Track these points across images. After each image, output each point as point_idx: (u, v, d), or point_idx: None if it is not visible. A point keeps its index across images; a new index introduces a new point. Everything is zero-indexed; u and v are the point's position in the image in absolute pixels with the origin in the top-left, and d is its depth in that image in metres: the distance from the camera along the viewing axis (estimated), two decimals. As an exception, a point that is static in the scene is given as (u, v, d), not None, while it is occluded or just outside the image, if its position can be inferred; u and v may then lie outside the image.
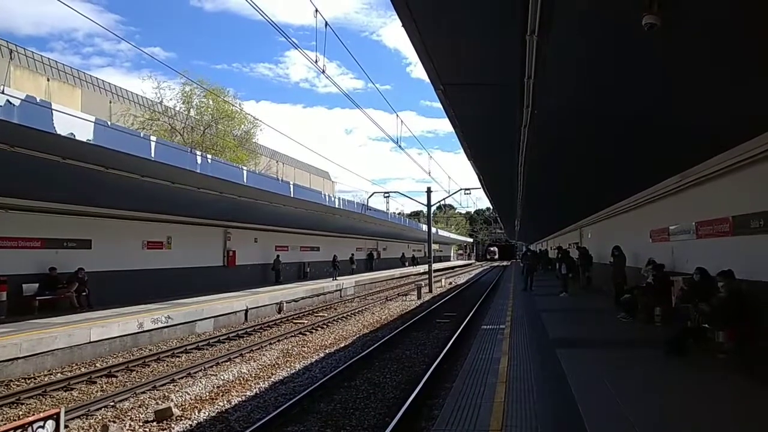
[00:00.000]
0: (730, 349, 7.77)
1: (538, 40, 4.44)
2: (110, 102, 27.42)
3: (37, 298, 15.89)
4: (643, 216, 14.86)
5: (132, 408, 8.75)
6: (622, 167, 11.39)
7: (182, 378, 10.66)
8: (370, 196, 35.65)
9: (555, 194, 17.50)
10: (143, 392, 9.64)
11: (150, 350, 13.39)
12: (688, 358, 8.06)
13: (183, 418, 8.12)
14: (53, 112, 10.63)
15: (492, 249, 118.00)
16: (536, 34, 4.32)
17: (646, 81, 5.83)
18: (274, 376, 10.92)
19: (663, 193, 12.34)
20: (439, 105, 7.27)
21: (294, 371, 11.35)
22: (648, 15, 3.87)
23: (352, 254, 43.40)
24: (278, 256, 31.43)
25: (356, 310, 22.15)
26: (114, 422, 7.88)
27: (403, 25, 4.67)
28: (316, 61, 10.58)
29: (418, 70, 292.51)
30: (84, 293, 16.98)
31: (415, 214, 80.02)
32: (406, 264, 61.50)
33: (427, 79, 6.14)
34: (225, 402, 9.03)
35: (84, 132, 11.25)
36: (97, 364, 11.80)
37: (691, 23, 4.33)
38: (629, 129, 8.05)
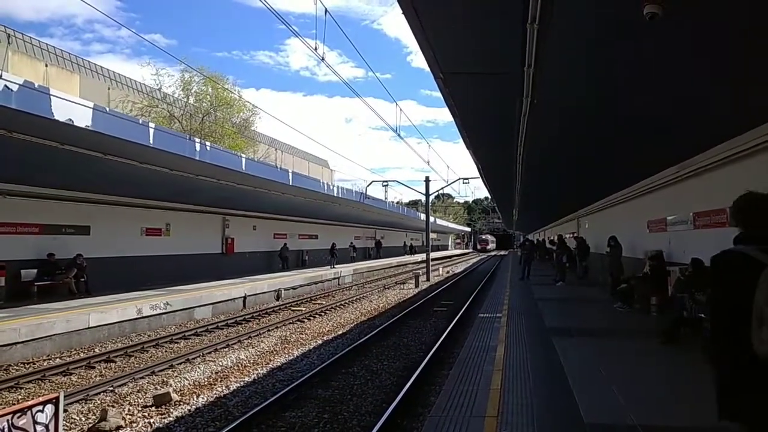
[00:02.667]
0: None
1: (538, 29, 4.43)
2: (109, 88, 27.25)
3: (36, 283, 15.94)
4: (641, 206, 14.89)
5: (131, 393, 8.81)
6: (621, 158, 11.39)
7: (181, 364, 10.72)
8: (368, 185, 35.62)
9: (553, 184, 17.52)
10: (142, 377, 9.69)
11: (149, 336, 13.43)
12: (684, 348, 8.12)
13: (182, 403, 8.17)
14: (51, 97, 10.60)
15: (484, 238, 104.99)
16: (537, 22, 4.31)
17: (645, 71, 5.82)
18: (272, 362, 10.99)
19: (661, 183, 12.37)
20: (439, 94, 7.28)
21: (292, 358, 11.41)
22: (649, 5, 3.86)
23: (352, 242, 43.51)
24: (285, 244, 31.90)
25: (354, 298, 22.24)
26: (113, 407, 7.92)
27: (403, 13, 4.66)
28: (316, 49, 10.56)
29: (418, 59, 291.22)
30: (82, 279, 17.03)
31: (414, 203, 79.94)
32: (411, 252, 61.75)
33: (428, 68, 6.13)
34: (223, 388, 9.09)
35: (82, 118, 11.22)
36: (96, 350, 11.85)
37: (692, 14, 4.32)
38: (628, 119, 8.05)
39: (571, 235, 27.48)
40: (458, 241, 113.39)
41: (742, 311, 2.65)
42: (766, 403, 2.59)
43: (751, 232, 2.92)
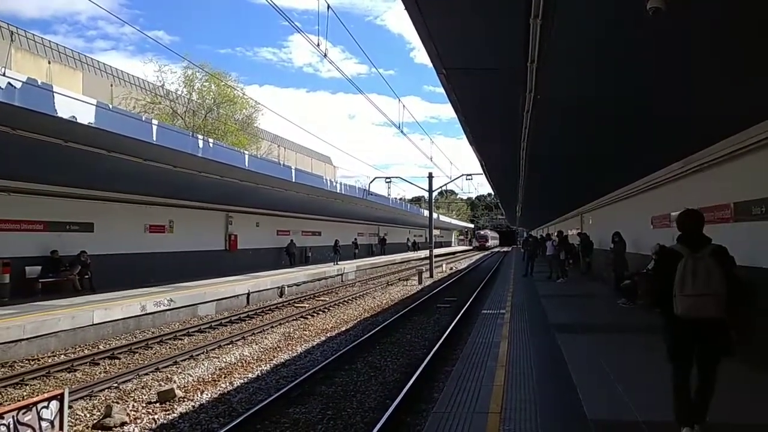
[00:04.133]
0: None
1: (542, 24, 4.41)
2: (111, 85, 27.30)
3: (40, 280, 16.01)
4: (645, 202, 14.84)
5: (135, 389, 8.84)
6: (625, 154, 11.35)
7: (185, 360, 10.75)
8: (371, 181, 35.61)
9: (556, 180, 17.46)
10: (146, 374, 9.73)
11: (153, 333, 13.49)
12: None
13: (186, 400, 8.20)
14: (55, 94, 10.62)
15: (483, 233, 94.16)
16: (540, 17, 4.29)
17: (650, 67, 5.79)
18: (275, 358, 11.01)
19: (665, 179, 12.32)
20: (442, 90, 7.27)
21: (295, 354, 11.43)
22: (652, -1, 3.83)
23: (355, 239, 43.61)
24: (292, 240, 32.50)
25: (357, 295, 22.25)
26: (117, 403, 7.95)
27: (405, 8, 4.64)
28: (318, 45, 10.53)
29: (421, 55, 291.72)
30: (87, 276, 17.09)
31: (417, 200, 79.77)
32: (414, 248, 61.88)
33: (430, 64, 6.11)
34: (227, 384, 9.12)
35: (86, 115, 11.25)
36: (101, 346, 11.90)
37: (696, 9, 4.30)
38: (632, 115, 8.01)
39: (576, 231, 27.44)
40: (461, 237, 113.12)
41: (670, 286, 4.39)
42: (684, 341, 4.43)
43: (681, 235, 4.74)
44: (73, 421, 7.18)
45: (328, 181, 27.66)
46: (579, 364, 7.16)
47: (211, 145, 16.48)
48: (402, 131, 23.41)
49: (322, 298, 21.14)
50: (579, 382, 6.25)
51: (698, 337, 4.35)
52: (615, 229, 15.36)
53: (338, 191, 28.19)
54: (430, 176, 32.34)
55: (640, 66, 5.84)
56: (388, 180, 36.49)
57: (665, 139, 9.39)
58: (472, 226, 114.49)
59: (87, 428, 7.12)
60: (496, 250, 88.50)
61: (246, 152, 20.33)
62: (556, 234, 25.24)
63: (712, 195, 9.89)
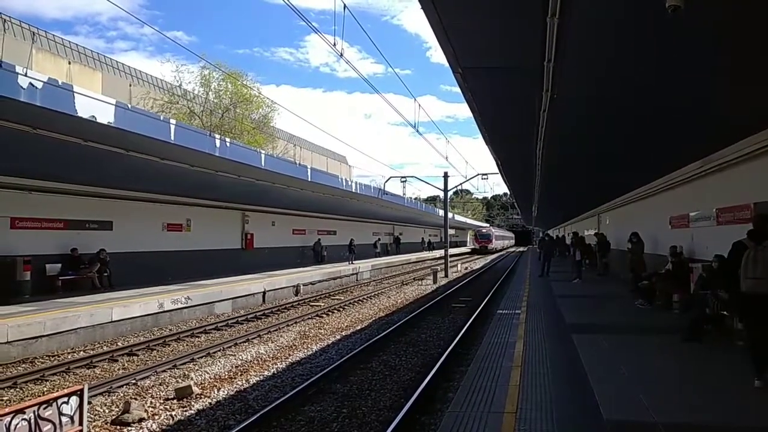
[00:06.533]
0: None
1: (558, 23, 4.39)
2: (130, 85, 27.62)
3: (60, 278, 16.23)
4: (663, 202, 14.69)
5: (153, 386, 8.94)
6: (643, 153, 11.24)
7: (202, 357, 10.84)
8: (386, 181, 35.62)
9: (573, 180, 17.34)
10: (164, 371, 9.82)
11: (170, 330, 13.62)
12: (706, 346, 8.01)
13: (203, 396, 8.27)
14: (75, 94, 10.74)
15: (485, 232, 74.31)
16: (557, 16, 4.27)
17: (667, 66, 5.74)
18: (291, 357, 11.07)
19: (683, 179, 12.19)
20: (458, 90, 7.24)
21: (311, 352, 11.48)
22: (671, -3, 3.79)
23: (378, 239, 43.89)
24: (319, 239, 33.90)
25: (372, 294, 22.27)
26: (135, 399, 8.05)
27: (422, 7, 4.64)
28: (335, 45, 10.56)
29: (437, 55, 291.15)
30: (105, 274, 17.30)
31: (432, 199, 79.37)
32: (429, 248, 61.74)
33: (447, 63, 6.11)
34: (243, 381, 9.18)
35: (105, 115, 11.36)
36: (119, 343, 12.04)
37: (715, 6, 4.25)
38: (650, 114, 7.94)
39: (593, 232, 27.22)
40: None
41: (737, 269, 5.89)
42: (748, 310, 6.08)
43: (750, 230, 5.99)
44: (92, 416, 7.27)
45: (344, 181, 27.68)
46: (595, 364, 7.11)
47: (228, 144, 16.58)
48: (418, 131, 23.48)
49: (337, 297, 21.19)
50: (595, 383, 6.20)
51: (757, 308, 5.75)
52: (632, 229, 15.22)
53: (353, 191, 28.20)
54: (446, 176, 32.25)
55: (657, 65, 5.78)
56: (403, 179, 36.50)
57: (683, 139, 9.29)
58: (488, 225, 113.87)
59: (106, 424, 7.21)
60: (512, 249, 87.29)
61: (262, 152, 20.43)
62: (571, 235, 25.05)
63: (732, 195, 9.77)
